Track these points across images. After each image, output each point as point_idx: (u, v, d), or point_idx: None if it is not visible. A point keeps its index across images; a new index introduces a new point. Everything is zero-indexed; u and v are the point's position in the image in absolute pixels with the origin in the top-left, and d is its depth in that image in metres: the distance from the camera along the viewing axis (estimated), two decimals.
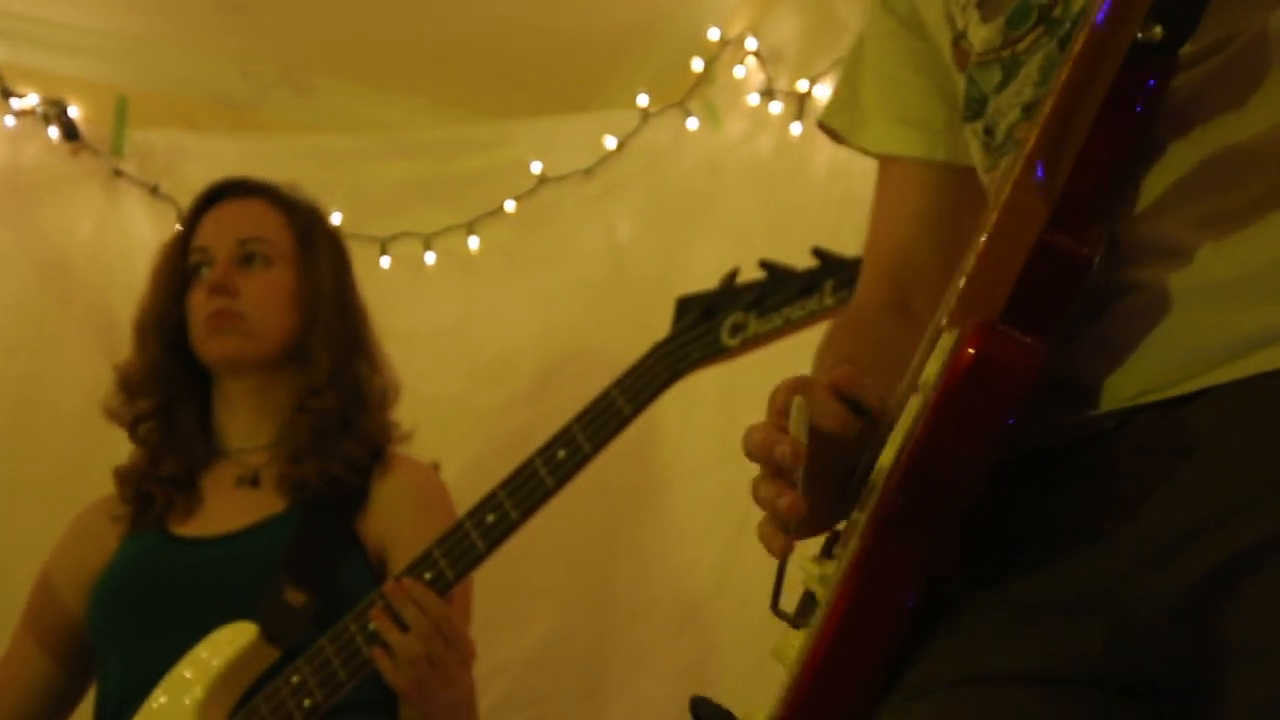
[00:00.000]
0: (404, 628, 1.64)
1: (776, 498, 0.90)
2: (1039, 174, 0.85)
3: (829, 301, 1.63)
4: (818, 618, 0.90)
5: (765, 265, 1.69)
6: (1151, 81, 0.86)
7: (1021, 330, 0.82)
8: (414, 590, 1.66)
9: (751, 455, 0.93)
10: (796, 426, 0.91)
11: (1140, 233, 0.89)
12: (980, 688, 0.88)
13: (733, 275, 1.72)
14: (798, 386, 0.94)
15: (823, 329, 2.30)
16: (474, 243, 2.85)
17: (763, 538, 0.94)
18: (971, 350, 0.80)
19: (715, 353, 1.70)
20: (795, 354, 2.34)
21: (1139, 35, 0.83)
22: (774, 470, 0.92)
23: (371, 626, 1.66)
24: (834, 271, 1.64)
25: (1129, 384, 0.87)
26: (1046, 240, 0.83)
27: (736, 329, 1.69)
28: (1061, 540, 0.88)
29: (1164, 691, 0.85)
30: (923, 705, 0.88)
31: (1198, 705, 0.83)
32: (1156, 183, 0.89)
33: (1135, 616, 0.84)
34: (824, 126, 1.23)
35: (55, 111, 2.77)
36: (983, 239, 0.87)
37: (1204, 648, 0.83)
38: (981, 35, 1.00)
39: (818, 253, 1.65)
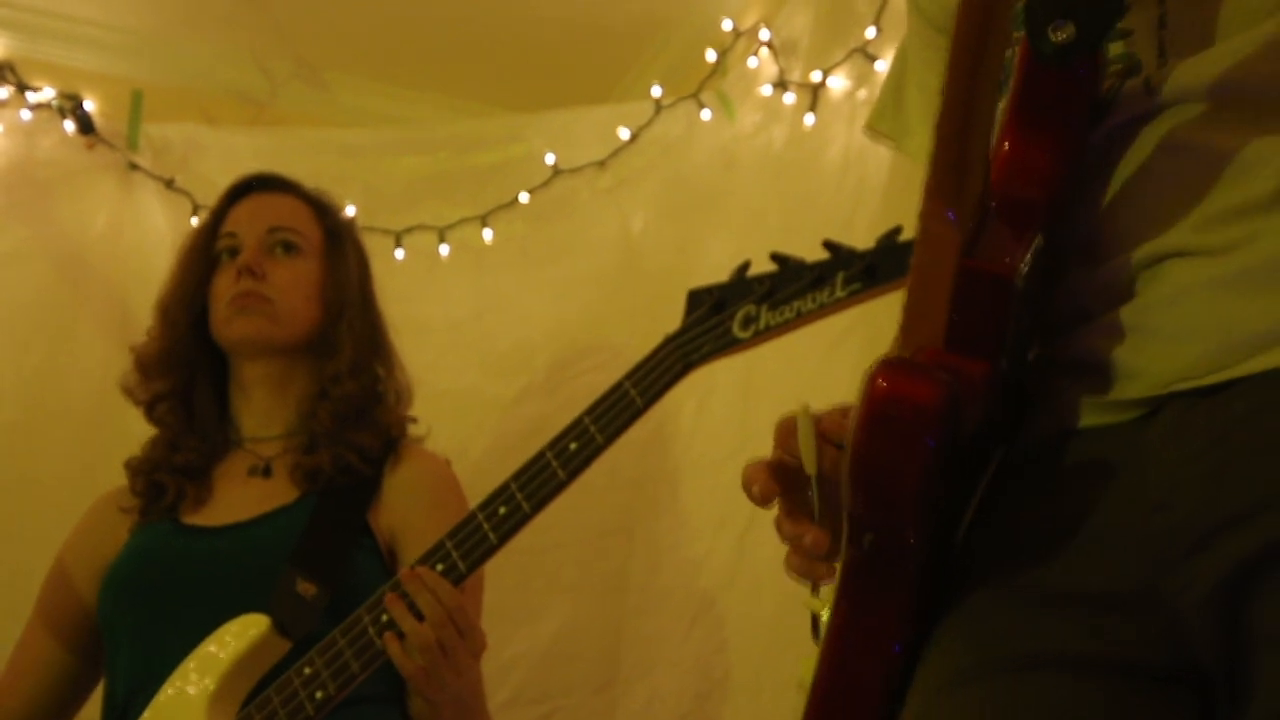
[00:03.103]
0: (419, 616, 1.64)
1: (800, 536, 0.93)
2: (946, 209, 0.87)
3: (840, 294, 1.62)
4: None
5: (776, 258, 1.69)
6: (1071, 86, 0.88)
7: (964, 354, 0.84)
8: (428, 578, 1.66)
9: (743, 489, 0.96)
10: (806, 445, 0.93)
11: (1154, 229, 0.89)
12: (1021, 673, 0.87)
13: (744, 267, 1.71)
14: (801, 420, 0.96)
15: (834, 321, 2.31)
16: (488, 235, 2.86)
17: (793, 570, 0.97)
18: (881, 382, 0.81)
19: (727, 345, 1.69)
20: (810, 348, 2.35)
21: (1051, 38, 0.84)
22: (790, 506, 0.95)
23: (385, 617, 1.66)
24: (845, 264, 1.63)
25: (1164, 370, 0.87)
26: (966, 266, 0.85)
27: (748, 321, 1.68)
28: (1091, 527, 0.88)
29: (1207, 679, 0.84)
30: (959, 693, 0.88)
31: (1230, 692, 0.83)
32: (1163, 180, 0.89)
33: (1174, 604, 0.84)
34: (872, 130, 1.24)
35: (71, 105, 2.77)
36: (911, 266, 0.89)
37: (1236, 636, 0.82)
38: None
39: (828, 245, 1.65)
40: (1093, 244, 0.92)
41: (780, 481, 0.98)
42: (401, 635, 1.65)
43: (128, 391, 2.02)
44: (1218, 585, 0.82)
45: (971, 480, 0.93)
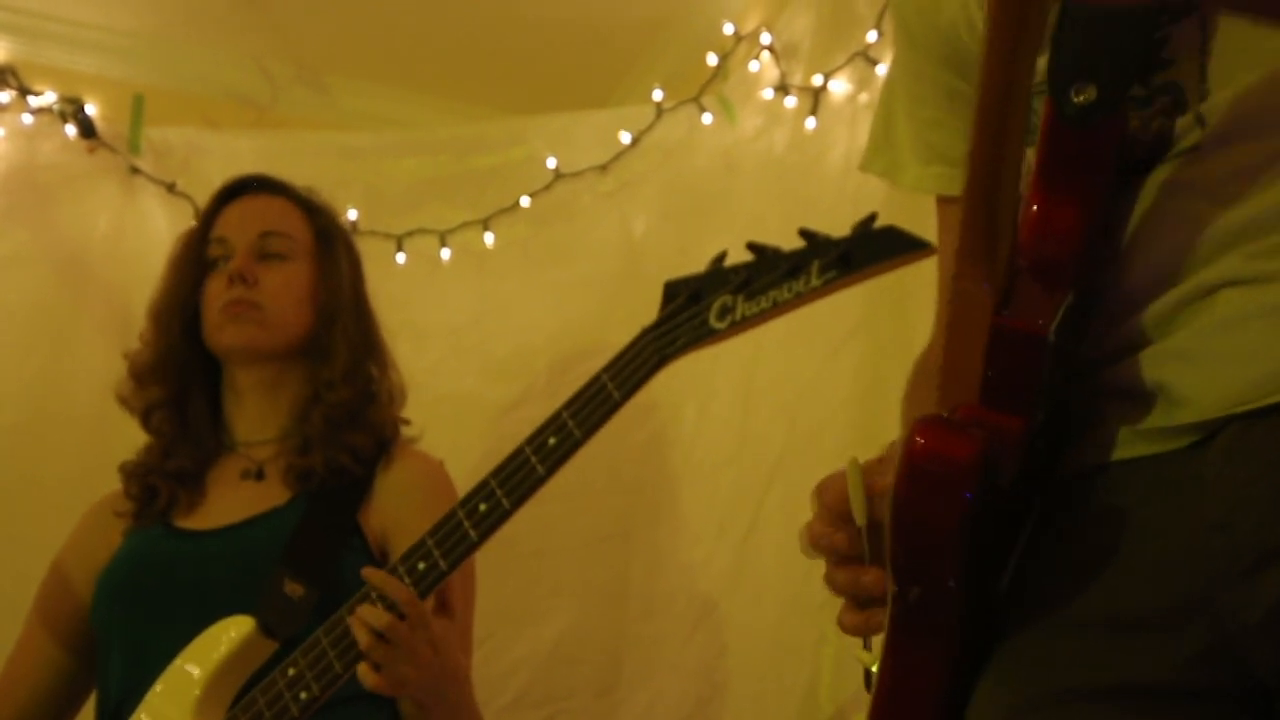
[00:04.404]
0: (381, 636, 1.62)
1: (858, 578, 0.95)
2: (978, 269, 0.89)
3: (815, 283, 1.61)
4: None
5: (753, 247, 1.68)
6: (1094, 145, 0.89)
7: (1000, 409, 0.87)
8: (374, 579, 1.65)
9: (814, 551, 0.98)
10: (856, 497, 0.95)
11: (1203, 261, 0.90)
12: (1079, 704, 0.87)
13: (720, 258, 1.70)
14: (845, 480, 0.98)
15: (835, 327, 2.30)
16: (489, 239, 2.85)
17: (848, 628, 0.98)
18: (920, 440, 0.85)
19: (703, 336, 1.66)
20: (810, 353, 2.35)
21: (1073, 99, 0.86)
22: (839, 558, 0.97)
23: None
24: (821, 252, 1.62)
25: (1221, 395, 0.87)
26: (999, 325, 0.87)
27: (724, 312, 1.66)
28: (1146, 551, 0.88)
29: (1267, 696, 0.84)
30: None
31: None
32: (1211, 216, 0.90)
33: (1234, 623, 0.84)
34: (865, 171, 1.24)
35: (72, 109, 2.78)
36: (945, 326, 0.92)
37: None
38: None
39: (804, 234, 1.64)
40: (1140, 277, 0.92)
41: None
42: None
43: (123, 400, 2.03)
44: (1279, 603, 0.82)
45: (1013, 526, 0.94)
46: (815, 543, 0.98)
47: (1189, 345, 0.89)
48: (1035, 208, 0.89)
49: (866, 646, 0.99)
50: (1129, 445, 0.91)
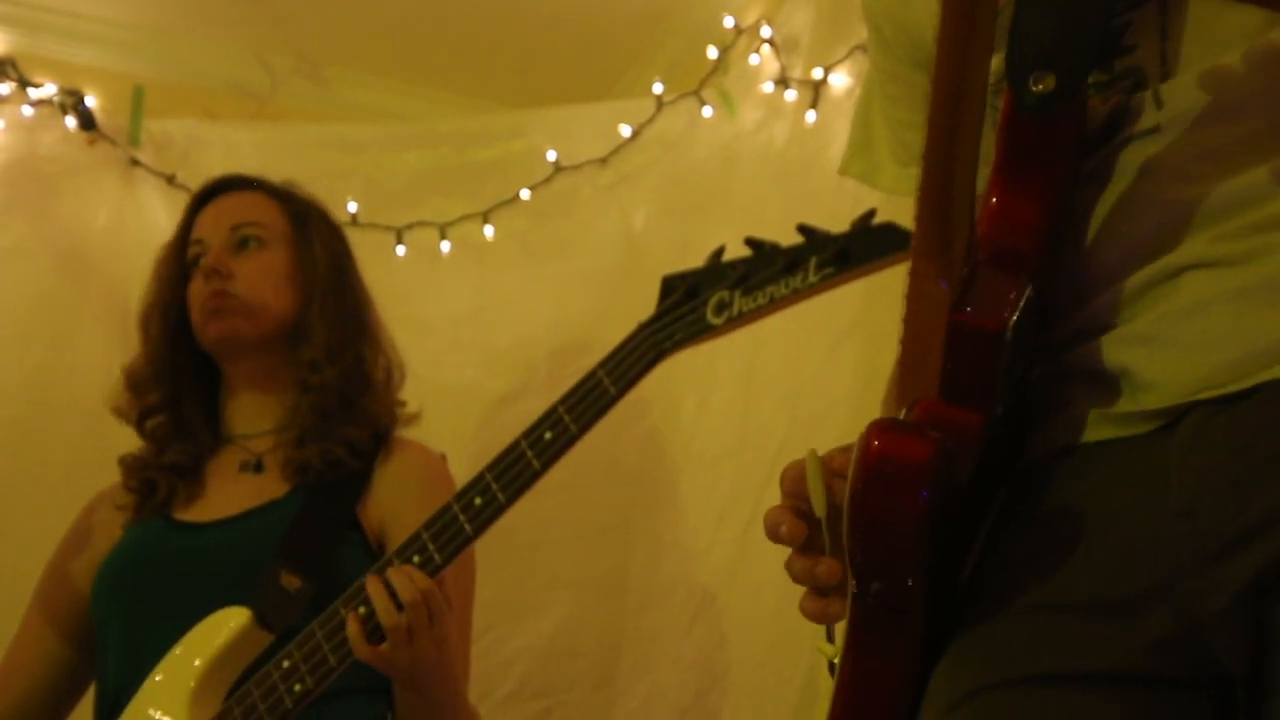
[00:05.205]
0: (399, 606, 1.63)
1: (813, 568, 0.94)
2: (934, 265, 0.89)
3: (813, 279, 1.61)
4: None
5: (751, 242, 1.67)
6: (1053, 134, 0.89)
7: (959, 404, 0.87)
8: (406, 569, 1.65)
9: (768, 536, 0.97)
10: (815, 488, 0.95)
11: (1168, 243, 0.90)
12: (1037, 689, 0.88)
13: (718, 253, 1.70)
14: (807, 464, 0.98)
15: (835, 320, 2.30)
16: (489, 232, 2.86)
17: (808, 614, 0.98)
18: (875, 442, 0.84)
19: (700, 332, 1.66)
20: (810, 347, 2.35)
21: (1032, 88, 0.86)
22: (802, 547, 0.96)
23: (363, 610, 1.65)
24: (818, 248, 1.62)
25: (1186, 380, 0.87)
26: (957, 321, 0.87)
27: (721, 307, 1.66)
28: (1111, 537, 0.88)
29: (1230, 681, 0.85)
30: (967, 709, 0.89)
31: (1251, 692, 0.84)
32: (1175, 199, 0.90)
33: (1198, 610, 0.84)
34: (844, 174, 1.24)
35: (72, 101, 2.77)
36: (903, 322, 0.92)
37: (1260, 639, 0.83)
38: None
39: (802, 229, 1.63)
40: (1105, 259, 0.92)
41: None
42: (368, 618, 1.64)
43: (118, 412, 2.03)
44: (1243, 589, 0.83)
45: (974, 518, 0.95)
46: (768, 532, 0.98)
47: (1153, 330, 0.89)
48: (995, 200, 0.89)
49: (830, 639, 0.99)
50: (1096, 428, 0.91)
